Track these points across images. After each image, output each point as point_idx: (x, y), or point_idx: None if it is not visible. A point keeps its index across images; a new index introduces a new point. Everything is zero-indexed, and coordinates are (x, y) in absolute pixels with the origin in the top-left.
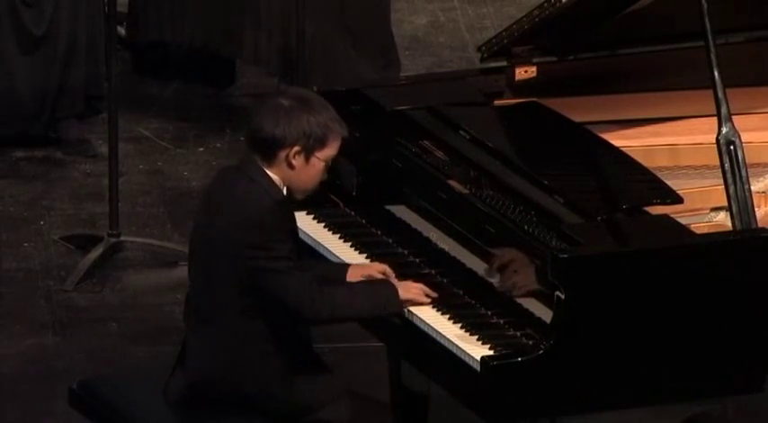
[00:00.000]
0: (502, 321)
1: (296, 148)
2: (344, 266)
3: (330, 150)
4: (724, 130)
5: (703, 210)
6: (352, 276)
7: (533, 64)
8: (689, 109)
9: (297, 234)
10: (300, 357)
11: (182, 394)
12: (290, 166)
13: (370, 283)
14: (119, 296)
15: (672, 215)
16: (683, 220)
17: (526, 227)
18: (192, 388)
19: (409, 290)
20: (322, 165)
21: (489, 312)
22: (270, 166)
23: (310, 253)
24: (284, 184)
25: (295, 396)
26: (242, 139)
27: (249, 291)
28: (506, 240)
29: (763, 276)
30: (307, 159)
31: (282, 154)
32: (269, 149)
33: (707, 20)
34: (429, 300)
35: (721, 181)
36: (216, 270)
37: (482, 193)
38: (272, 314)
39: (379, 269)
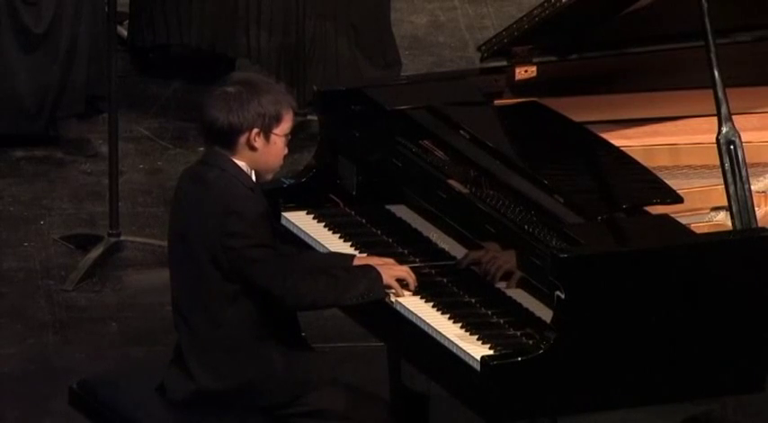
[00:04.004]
0: (502, 321)
1: (255, 131)
2: (349, 257)
3: (286, 124)
4: (724, 129)
5: (703, 209)
6: None
7: (533, 64)
8: (689, 109)
9: (272, 219)
10: (291, 337)
11: (186, 397)
12: (253, 149)
13: (353, 269)
14: (119, 296)
15: (672, 215)
16: (683, 220)
17: (526, 226)
18: (201, 395)
19: (393, 274)
20: (282, 140)
21: (489, 312)
22: (233, 153)
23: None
24: (251, 169)
25: (293, 374)
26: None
27: (232, 279)
28: (506, 240)
29: (763, 276)
30: (267, 138)
31: (243, 139)
32: (229, 138)
33: (707, 20)
34: (414, 283)
35: (721, 180)
36: (198, 265)
37: (482, 192)
38: (259, 298)
39: (383, 263)
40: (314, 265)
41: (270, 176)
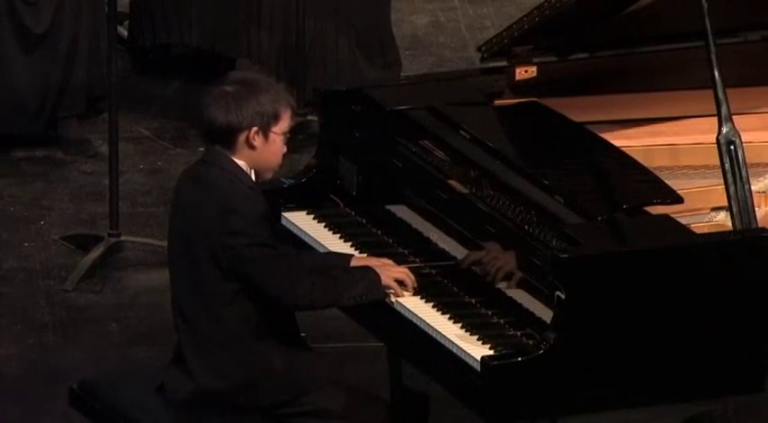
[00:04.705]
0: (502, 321)
1: (254, 129)
2: (347, 257)
3: (284, 122)
4: (724, 129)
5: (703, 210)
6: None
7: (533, 64)
8: (689, 109)
9: (272, 218)
10: (290, 337)
11: (186, 397)
12: (252, 148)
13: (352, 270)
14: (119, 296)
15: (672, 215)
16: (683, 220)
17: (526, 227)
18: (202, 395)
19: (391, 275)
20: (281, 138)
21: (489, 312)
22: (233, 153)
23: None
24: (251, 168)
25: (293, 374)
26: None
27: (231, 278)
28: (507, 240)
29: (763, 276)
30: (266, 137)
31: (242, 138)
32: (228, 137)
33: (707, 20)
34: (413, 284)
35: (721, 181)
36: (198, 264)
37: (482, 192)
38: (258, 298)
39: (381, 264)
40: (312, 265)
41: (269, 175)
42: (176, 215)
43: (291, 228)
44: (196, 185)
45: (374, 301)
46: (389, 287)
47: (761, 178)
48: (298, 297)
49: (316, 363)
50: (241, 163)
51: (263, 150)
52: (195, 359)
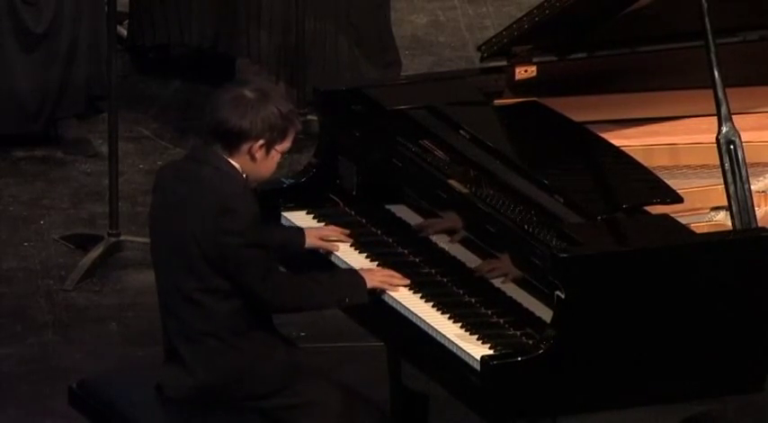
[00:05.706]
0: (502, 321)
1: (260, 142)
2: (300, 230)
3: (288, 143)
4: (724, 129)
5: (703, 209)
6: (309, 238)
7: (533, 63)
8: (689, 109)
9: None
10: (270, 331)
11: (184, 394)
12: (252, 159)
13: (337, 274)
14: (119, 296)
15: (672, 215)
16: (683, 220)
17: (526, 226)
18: (200, 391)
19: (375, 278)
20: (279, 156)
21: (489, 312)
22: (231, 155)
23: (310, 253)
24: (243, 173)
25: (287, 365)
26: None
27: (223, 274)
28: (506, 240)
29: (763, 276)
30: (267, 152)
31: (246, 147)
32: (234, 141)
33: (707, 20)
34: (399, 284)
35: (721, 180)
36: (191, 261)
37: (482, 192)
38: (248, 295)
39: (333, 232)
40: (286, 243)
41: (253, 186)
42: (164, 213)
43: None
44: (188, 184)
45: (359, 304)
46: (376, 289)
47: (760, 178)
48: (285, 302)
49: (306, 357)
50: (236, 164)
51: (260, 163)
52: (189, 354)
